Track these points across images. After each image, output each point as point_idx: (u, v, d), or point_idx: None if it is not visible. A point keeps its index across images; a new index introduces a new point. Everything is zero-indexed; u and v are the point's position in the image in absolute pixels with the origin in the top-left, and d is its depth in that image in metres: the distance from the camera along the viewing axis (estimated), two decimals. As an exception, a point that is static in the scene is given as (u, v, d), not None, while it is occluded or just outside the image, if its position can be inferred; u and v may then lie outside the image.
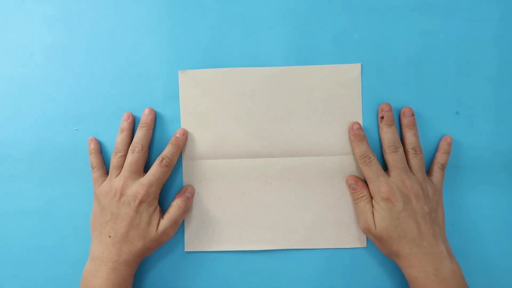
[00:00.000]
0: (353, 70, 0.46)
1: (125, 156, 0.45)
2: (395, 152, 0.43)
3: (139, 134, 0.45)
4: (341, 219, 0.46)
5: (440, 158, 0.45)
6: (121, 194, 0.43)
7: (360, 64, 0.46)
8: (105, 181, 0.45)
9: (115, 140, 0.47)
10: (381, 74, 0.47)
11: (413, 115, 0.45)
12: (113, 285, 0.41)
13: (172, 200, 0.45)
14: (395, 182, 0.42)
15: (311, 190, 0.46)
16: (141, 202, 0.42)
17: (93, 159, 0.46)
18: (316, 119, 0.46)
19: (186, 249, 0.46)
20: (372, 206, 0.43)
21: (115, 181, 0.43)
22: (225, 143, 0.46)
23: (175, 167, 0.46)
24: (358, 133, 0.45)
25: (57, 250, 0.47)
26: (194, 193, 0.46)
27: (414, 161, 0.44)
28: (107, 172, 0.46)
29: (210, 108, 0.46)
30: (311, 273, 0.47)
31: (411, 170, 0.43)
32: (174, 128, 0.47)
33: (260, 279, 0.47)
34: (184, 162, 0.46)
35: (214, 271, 0.47)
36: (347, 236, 0.46)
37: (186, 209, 0.45)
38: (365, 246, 0.46)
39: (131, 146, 0.45)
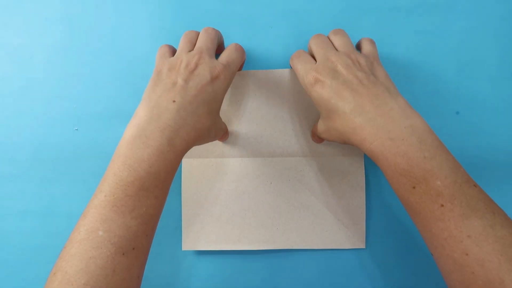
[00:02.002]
0: None
1: (196, 38, 0.41)
2: (316, 36, 0.40)
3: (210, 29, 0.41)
4: (341, 219, 0.46)
5: (364, 39, 0.42)
6: (197, 65, 0.37)
7: None
8: (176, 54, 0.39)
9: (115, 140, 0.46)
10: (381, 74, 0.47)
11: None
12: (166, 161, 0.33)
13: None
14: (320, 63, 0.37)
15: (311, 190, 0.46)
16: (217, 76, 0.37)
17: (166, 45, 0.42)
18: (316, 119, 0.46)
19: (184, 248, 0.46)
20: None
21: (191, 54, 0.38)
22: (225, 142, 0.46)
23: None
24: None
25: (57, 250, 0.47)
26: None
27: (337, 39, 0.40)
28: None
29: None
30: (311, 273, 0.47)
31: (336, 49, 0.39)
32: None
33: (259, 279, 0.47)
34: (184, 161, 0.46)
35: (212, 271, 0.47)
36: (346, 236, 0.46)
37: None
38: (364, 247, 0.46)
39: (203, 29, 0.41)
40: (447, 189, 0.31)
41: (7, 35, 0.48)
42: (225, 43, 0.47)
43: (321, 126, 0.40)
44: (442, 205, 0.31)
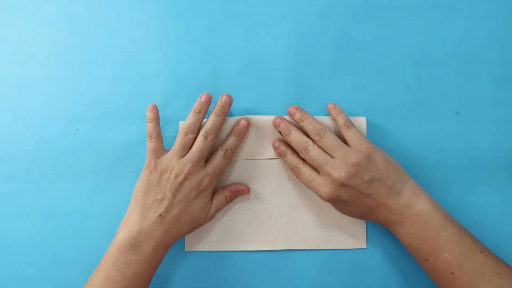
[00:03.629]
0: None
1: (193, 139, 0.43)
2: (307, 153, 0.42)
3: (215, 120, 0.43)
4: (341, 219, 0.46)
5: (339, 121, 0.44)
6: (185, 178, 0.41)
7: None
8: (168, 156, 0.42)
9: (115, 140, 0.47)
10: (381, 74, 0.47)
11: (297, 109, 0.44)
12: (150, 266, 0.40)
13: (221, 188, 0.45)
14: (326, 183, 0.41)
15: (311, 190, 0.46)
16: (203, 190, 0.42)
17: (153, 128, 0.43)
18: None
19: (186, 249, 0.46)
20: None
21: (182, 162, 0.42)
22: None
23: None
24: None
25: (57, 250, 0.47)
26: (246, 194, 0.46)
27: (324, 144, 0.42)
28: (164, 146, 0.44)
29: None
30: (311, 273, 0.46)
31: (329, 154, 0.41)
32: (173, 128, 0.47)
33: (260, 279, 0.47)
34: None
35: (213, 271, 0.47)
36: (347, 236, 0.46)
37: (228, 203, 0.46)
38: (365, 247, 0.46)
39: (204, 131, 0.42)
40: (454, 260, 0.38)
41: (7, 35, 0.48)
42: (225, 43, 0.47)
43: (330, 192, 0.41)
44: (452, 273, 0.38)
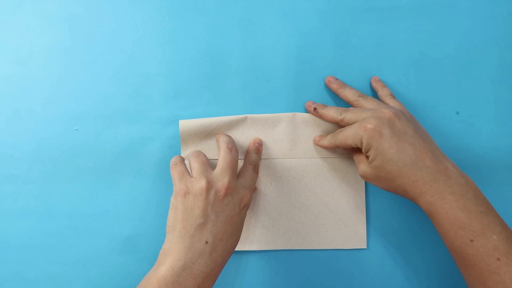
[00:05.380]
0: None
1: (207, 160, 0.41)
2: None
3: (229, 137, 0.43)
4: (341, 219, 0.46)
5: (384, 92, 0.44)
6: (226, 194, 0.37)
7: None
8: (196, 176, 0.38)
9: (115, 140, 0.47)
10: (381, 74, 0.47)
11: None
12: None
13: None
14: (373, 114, 0.39)
15: (311, 191, 0.46)
16: (245, 205, 0.39)
17: (178, 157, 0.42)
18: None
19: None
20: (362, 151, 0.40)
21: (215, 176, 0.38)
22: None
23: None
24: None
25: (57, 250, 0.47)
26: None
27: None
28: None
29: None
30: (311, 273, 0.46)
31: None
32: (174, 128, 0.47)
33: (260, 279, 0.47)
34: (185, 163, 0.46)
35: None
36: (347, 237, 0.46)
37: None
38: (365, 247, 0.46)
39: (225, 145, 0.41)
40: (502, 244, 0.33)
41: (7, 35, 0.48)
42: (225, 43, 0.47)
43: (366, 171, 0.40)
44: (498, 259, 0.33)
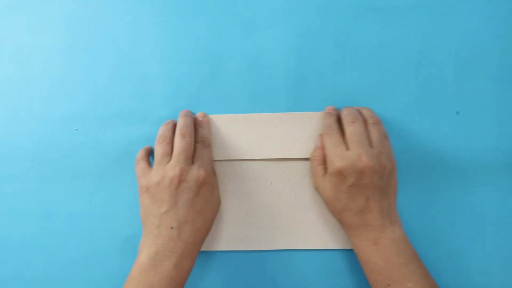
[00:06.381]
0: None
1: (170, 143, 0.43)
2: (353, 122, 0.42)
3: (186, 120, 0.44)
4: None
5: (381, 128, 0.44)
6: (180, 181, 0.40)
7: None
8: (153, 170, 0.42)
9: (115, 140, 0.47)
10: (381, 74, 0.47)
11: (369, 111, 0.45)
12: (175, 284, 0.38)
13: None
14: (350, 157, 0.40)
15: (311, 190, 0.46)
16: (203, 184, 0.41)
17: (141, 153, 0.45)
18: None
19: (186, 249, 0.46)
20: (325, 170, 0.43)
21: (169, 168, 0.41)
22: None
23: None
24: (329, 111, 0.45)
25: (57, 250, 0.47)
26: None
27: (374, 132, 0.42)
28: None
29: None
30: (311, 273, 0.46)
31: (370, 142, 0.42)
32: (174, 128, 0.47)
33: (260, 279, 0.47)
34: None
35: (214, 271, 0.47)
36: (347, 237, 0.46)
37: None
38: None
39: (179, 131, 0.43)
40: None
41: (8, 35, 0.48)
42: (225, 43, 0.47)
43: (318, 187, 0.44)
44: None
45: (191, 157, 0.42)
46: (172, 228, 0.39)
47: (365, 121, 0.43)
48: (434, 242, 0.46)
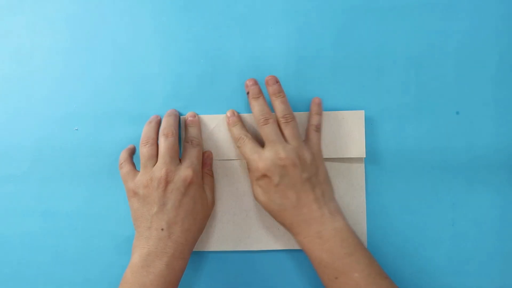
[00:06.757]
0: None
1: (155, 144, 0.43)
2: (265, 124, 0.42)
3: (168, 119, 0.44)
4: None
5: (312, 120, 0.44)
6: (167, 182, 0.40)
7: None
8: (140, 173, 0.42)
9: (115, 140, 0.47)
10: (381, 75, 0.47)
11: (277, 82, 0.44)
12: (168, 284, 0.39)
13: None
14: (269, 156, 0.41)
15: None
16: (190, 184, 0.41)
17: (123, 155, 0.44)
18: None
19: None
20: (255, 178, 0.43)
21: (155, 170, 0.41)
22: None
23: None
24: (231, 120, 0.45)
25: (56, 249, 0.47)
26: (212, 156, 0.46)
27: (287, 130, 0.42)
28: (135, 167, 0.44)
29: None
30: (311, 273, 0.46)
31: (285, 140, 0.42)
32: (174, 128, 0.47)
33: (260, 279, 0.47)
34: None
35: (214, 271, 0.47)
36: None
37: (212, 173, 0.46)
38: (366, 247, 0.46)
39: (161, 131, 0.43)
40: (363, 280, 0.38)
41: (8, 35, 0.48)
42: (225, 43, 0.47)
43: (260, 197, 0.43)
44: None
45: (177, 157, 0.42)
46: (162, 229, 0.40)
47: (277, 118, 0.43)
48: (434, 242, 0.46)
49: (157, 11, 0.47)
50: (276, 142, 0.41)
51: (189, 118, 0.46)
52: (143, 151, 0.42)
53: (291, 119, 0.43)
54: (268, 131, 0.42)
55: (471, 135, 0.46)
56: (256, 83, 0.44)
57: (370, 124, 0.46)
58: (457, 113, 0.47)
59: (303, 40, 0.47)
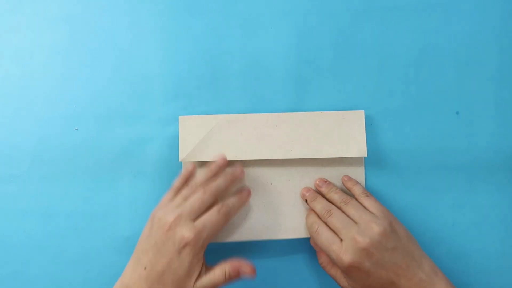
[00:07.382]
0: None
1: (208, 193, 0.40)
2: (330, 215, 0.41)
3: (221, 183, 0.41)
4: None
5: (356, 190, 0.44)
6: (169, 228, 0.38)
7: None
8: (165, 200, 0.41)
9: (115, 140, 0.47)
10: (381, 75, 0.47)
11: (326, 181, 0.45)
12: None
13: (224, 261, 0.40)
14: (350, 245, 0.39)
15: (311, 190, 0.46)
16: (185, 245, 0.37)
17: (179, 182, 0.42)
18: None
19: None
20: (337, 267, 0.41)
21: (170, 210, 0.39)
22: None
23: (175, 169, 0.46)
24: (309, 207, 0.44)
25: (56, 249, 0.47)
26: (248, 273, 0.40)
27: (349, 211, 0.41)
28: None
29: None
30: (311, 272, 0.46)
31: (354, 221, 0.41)
32: (174, 128, 0.47)
33: (260, 278, 0.47)
34: (184, 162, 0.46)
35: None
36: None
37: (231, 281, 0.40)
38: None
39: (209, 186, 0.40)
40: None
41: (8, 35, 0.48)
42: (225, 43, 0.47)
43: (344, 284, 0.41)
44: None
45: (198, 214, 0.39)
46: (145, 268, 0.38)
47: (337, 204, 0.43)
48: (434, 242, 0.46)
49: (157, 11, 0.47)
50: (348, 229, 0.40)
51: (242, 191, 0.43)
52: (197, 180, 0.41)
53: (350, 199, 0.42)
54: (335, 221, 0.41)
55: (471, 135, 0.46)
56: (310, 189, 0.45)
57: (370, 124, 0.46)
58: (457, 113, 0.47)
59: (303, 40, 0.47)
